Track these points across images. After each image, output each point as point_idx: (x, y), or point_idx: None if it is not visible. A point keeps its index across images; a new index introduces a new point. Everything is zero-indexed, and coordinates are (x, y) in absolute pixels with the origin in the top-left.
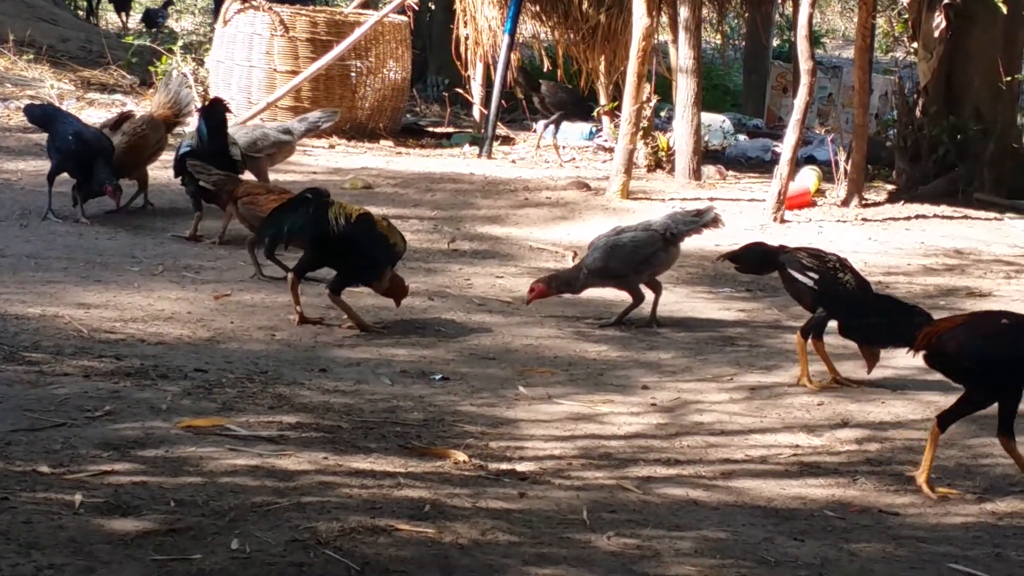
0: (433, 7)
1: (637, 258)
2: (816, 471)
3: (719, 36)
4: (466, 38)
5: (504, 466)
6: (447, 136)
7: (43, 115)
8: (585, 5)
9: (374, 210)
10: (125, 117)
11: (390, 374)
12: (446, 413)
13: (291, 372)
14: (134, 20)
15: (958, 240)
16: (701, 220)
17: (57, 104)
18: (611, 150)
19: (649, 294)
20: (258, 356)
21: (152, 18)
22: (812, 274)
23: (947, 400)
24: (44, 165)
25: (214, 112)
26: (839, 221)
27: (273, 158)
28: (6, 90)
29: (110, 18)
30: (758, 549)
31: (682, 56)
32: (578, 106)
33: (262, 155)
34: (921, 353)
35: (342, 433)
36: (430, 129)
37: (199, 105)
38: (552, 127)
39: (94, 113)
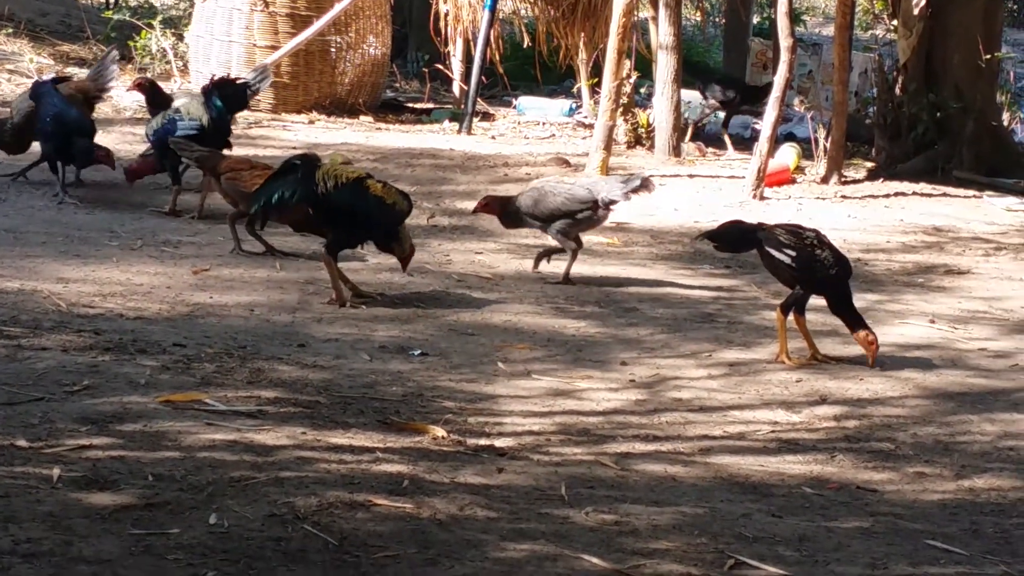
0: None
1: (562, 211)
2: (794, 448)
3: (699, 13)
4: (446, 14)
5: (482, 442)
6: (427, 112)
7: (34, 93)
8: None
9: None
10: (61, 80)
11: (369, 349)
12: (425, 388)
13: (270, 347)
14: None
15: (937, 218)
16: (629, 186)
17: (39, 79)
18: (591, 126)
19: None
20: (237, 331)
21: None
22: (789, 251)
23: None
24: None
25: (226, 88)
26: (818, 198)
27: None
28: None
29: None
30: (736, 525)
31: (662, 33)
32: (747, 95)
33: None
34: None
35: (320, 408)
36: (410, 105)
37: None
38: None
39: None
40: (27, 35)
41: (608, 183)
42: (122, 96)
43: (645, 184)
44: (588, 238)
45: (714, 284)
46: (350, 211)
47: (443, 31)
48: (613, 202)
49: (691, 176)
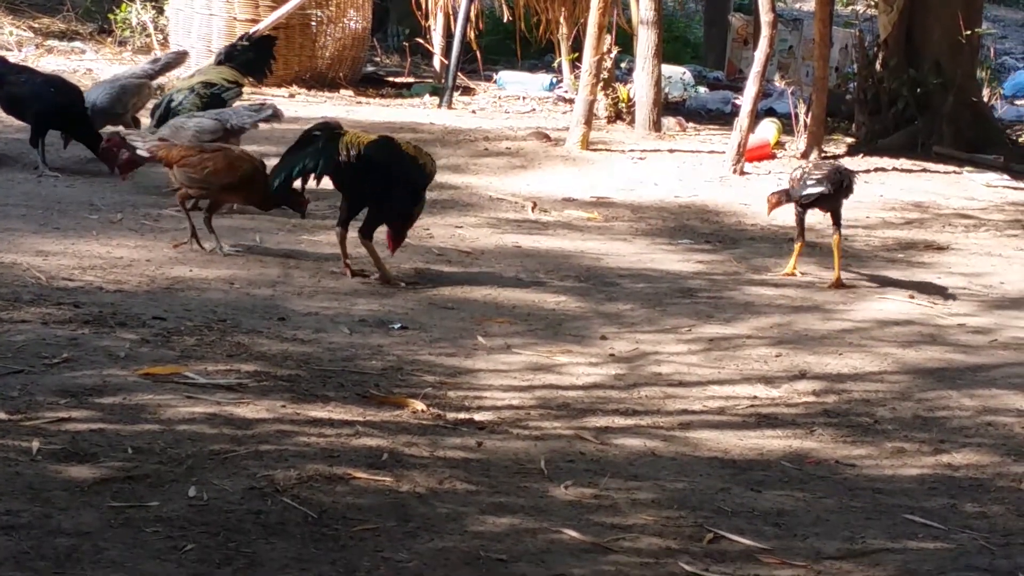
0: None
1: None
2: (773, 422)
3: None
4: None
5: (462, 415)
6: (407, 86)
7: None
8: None
9: None
10: None
11: (349, 323)
12: (404, 362)
13: (250, 321)
14: None
15: (917, 193)
16: (260, 115)
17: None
18: (571, 101)
19: None
20: (217, 304)
21: None
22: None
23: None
24: None
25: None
26: None
27: (136, 107)
28: None
29: None
30: (715, 500)
31: (643, 7)
32: None
33: (128, 111)
34: None
35: (300, 382)
36: (390, 79)
37: None
38: None
39: (53, 60)
40: (5, 7)
41: (238, 112)
42: (101, 71)
43: (276, 114)
44: (568, 213)
45: (695, 259)
46: (388, 176)
47: (424, 5)
48: (243, 129)
49: (671, 151)
